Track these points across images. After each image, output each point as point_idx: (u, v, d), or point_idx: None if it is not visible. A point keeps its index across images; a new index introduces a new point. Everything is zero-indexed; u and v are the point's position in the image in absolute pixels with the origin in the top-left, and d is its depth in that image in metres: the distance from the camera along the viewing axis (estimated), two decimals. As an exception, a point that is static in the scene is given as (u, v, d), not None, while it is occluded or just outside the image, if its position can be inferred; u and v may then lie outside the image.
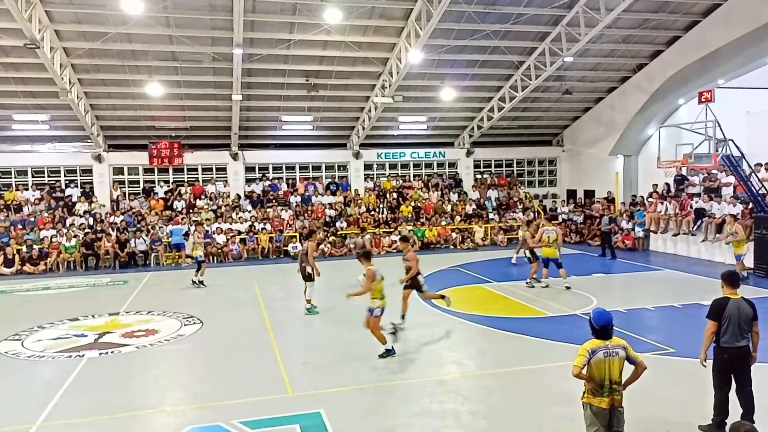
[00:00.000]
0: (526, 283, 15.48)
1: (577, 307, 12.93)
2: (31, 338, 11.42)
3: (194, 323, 12.32)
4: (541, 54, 20.56)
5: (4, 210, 22.34)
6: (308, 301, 13.10)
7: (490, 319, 12.21)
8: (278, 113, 24.18)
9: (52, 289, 16.97)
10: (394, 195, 26.66)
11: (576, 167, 28.31)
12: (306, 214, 24.56)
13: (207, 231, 20.90)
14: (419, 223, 24.69)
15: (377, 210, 25.47)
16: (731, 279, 6.80)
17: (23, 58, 17.93)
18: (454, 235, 24.34)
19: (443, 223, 24.93)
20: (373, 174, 27.90)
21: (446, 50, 19.96)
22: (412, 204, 26.11)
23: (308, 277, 13.06)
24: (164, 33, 17.86)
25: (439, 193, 27.12)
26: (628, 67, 22.67)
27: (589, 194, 27.02)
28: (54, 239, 20.76)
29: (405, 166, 28.45)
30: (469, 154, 28.08)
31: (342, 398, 8.06)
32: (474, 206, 26.53)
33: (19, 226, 21.50)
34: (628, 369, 5.52)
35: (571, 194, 28.19)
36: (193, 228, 20.34)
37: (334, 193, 26.37)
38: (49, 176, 24.40)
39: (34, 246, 20.37)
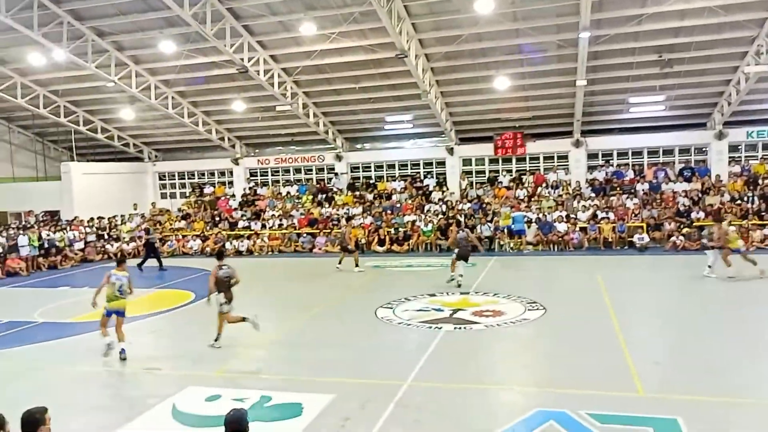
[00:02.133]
0: None
1: None
2: (400, 308, 13.33)
3: (538, 309, 12.61)
4: None
5: (378, 198, 26.55)
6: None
7: None
8: (625, 95, 22.83)
9: (414, 267, 19.48)
10: (770, 181, 22.47)
11: None
12: (654, 203, 22.62)
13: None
14: (805, 214, 20.30)
15: (746, 199, 21.84)
16: None
17: (393, 67, 20.87)
18: None
19: (841, 215, 19.98)
20: (740, 156, 24.02)
21: None
22: (795, 192, 21.60)
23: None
24: (511, 28, 18.58)
25: (837, 178, 21.79)
26: None
27: None
28: (415, 223, 23.77)
29: (786, 145, 23.71)
30: None
31: (700, 408, 7.23)
32: None
33: (389, 212, 25.26)
34: None
35: None
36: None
37: (688, 180, 23.63)
38: (411, 168, 28.01)
39: (400, 229, 23.68)
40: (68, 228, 24.93)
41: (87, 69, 21.21)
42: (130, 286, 10.54)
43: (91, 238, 25.12)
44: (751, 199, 21.73)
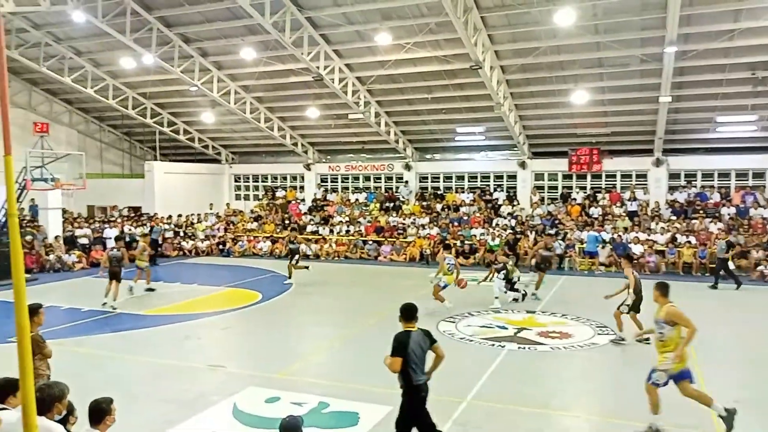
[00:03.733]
0: None
1: None
2: (462, 323, 13.12)
3: (608, 333, 12.07)
4: None
5: (446, 209, 26.34)
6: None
7: None
8: (712, 114, 21.64)
9: (479, 282, 19.10)
10: None
11: None
12: (741, 229, 21.25)
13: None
14: None
15: None
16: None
17: (467, 78, 20.70)
18: None
19: None
20: (840, 183, 22.25)
21: None
22: None
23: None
24: (592, 41, 18.04)
25: None
26: None
27: None
28: (482, 237, 23.40)
29: None
30: None
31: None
32: None
33: (456, 224, 24.99)
34: None
35: None
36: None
37: (780, 206, 22.07)
38: (480, 181, 27.65)
39: (466, 242, 23.37)
40: (149, 224, 26.18)
41: (173, 73, 22.29)
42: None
43: (169, 234, 26.24)
44: None
